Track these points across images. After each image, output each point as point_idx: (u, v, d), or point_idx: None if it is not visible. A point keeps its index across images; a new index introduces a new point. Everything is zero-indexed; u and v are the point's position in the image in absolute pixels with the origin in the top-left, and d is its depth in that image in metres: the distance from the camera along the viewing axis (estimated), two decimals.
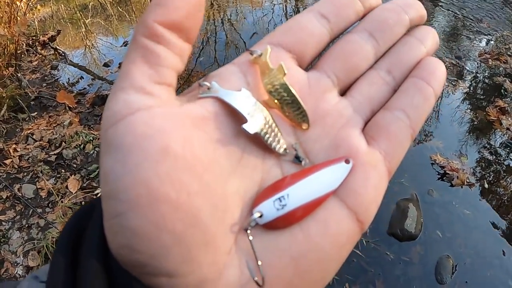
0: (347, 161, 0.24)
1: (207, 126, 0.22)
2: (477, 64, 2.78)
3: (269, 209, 0.22)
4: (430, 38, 0.29)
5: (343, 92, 0.28)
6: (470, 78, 2.67)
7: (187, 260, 0.19)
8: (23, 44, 3.35)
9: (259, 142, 0.24)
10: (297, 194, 0.22)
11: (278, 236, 0.22)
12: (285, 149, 0.24)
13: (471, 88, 2.59)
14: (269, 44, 0.26)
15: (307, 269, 0.22)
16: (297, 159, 0.24)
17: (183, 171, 0.20)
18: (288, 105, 0.25)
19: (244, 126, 0.22)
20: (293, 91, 0.25)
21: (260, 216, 0.22)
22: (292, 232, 0.22)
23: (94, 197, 2.00)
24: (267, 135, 0.23)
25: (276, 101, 0.25)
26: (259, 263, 0.21)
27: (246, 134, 0.23)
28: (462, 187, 1.89)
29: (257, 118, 0.23)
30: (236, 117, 0.23)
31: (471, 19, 3.26)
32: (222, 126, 0.23)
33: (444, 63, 2.74)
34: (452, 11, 3.40)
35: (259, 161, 0.24)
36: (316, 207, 0.23)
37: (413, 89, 0.26)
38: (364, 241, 1.66)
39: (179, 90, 2.59)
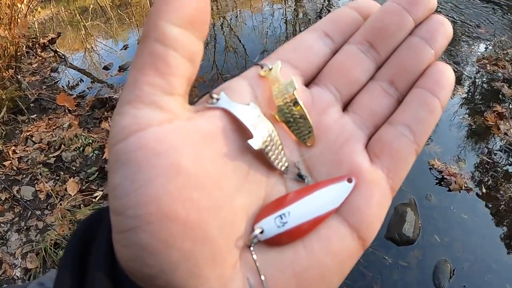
0: (349, 180, 0.24)
1: (216, 142, 0.22)
2: (476, 69, 2.79)
3: (270, 225, 0.22)
4: (439, 35, 0.26)
5: (345, 106, 0.27)
6: (468, 83, 2.68)
7: (195, 274, 0.20)
8: (23, 46, 3.36)
9: (264, 158, 0.24)
10: (298, 212, 0.22)
11: (281, 252, 0.22)
12: (286, 167, 0.24)
13: (469, 93, 2.60)
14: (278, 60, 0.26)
15: (309, 284, 0.22)
16: (300, 177, 0.24)
17: (194, 189, 0.20)
18: (296, 120, 0.25)
19: (250, 141, 0.22)
20: (303, 106, 0.25)
21: (261, 232, 0.22)
22: (295, 248, 0.23)
23: (93, 200, 2.00)
24: (271, 152, 0.23)
25: (284, 116, 0.25)
26: (262, 278, 0.21)
27: (252, 150, 0.23)
28: (460, 191, 1.89)
29: (262, 134, 0.23)
30: (242, 132, 0.23)
31: (469, 25, 3.28)
32: (230, 141, 0.23)
33: None
34: (450, 17, 3.41)
35: (264, 177, 0.24)
36: (317, 225, 0.23)
37: (418, 101, 0.25)
38: None
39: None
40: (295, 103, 0.25)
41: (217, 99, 0.23)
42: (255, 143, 0.22)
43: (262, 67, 0.26)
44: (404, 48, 0.26)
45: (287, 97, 0.25)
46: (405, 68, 0.26)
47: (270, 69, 0.25)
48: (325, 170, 0.25)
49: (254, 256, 0.22)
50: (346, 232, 0.23)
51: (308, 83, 0.27)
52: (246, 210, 0.23)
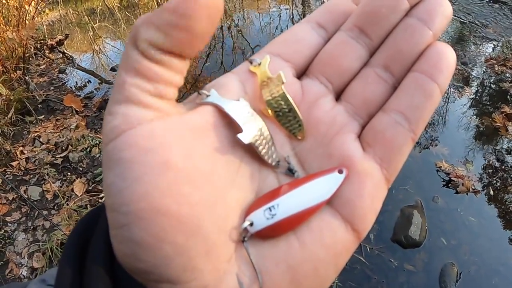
0: (340, 171, 0.23)
1: (207, 137, 0.22)
2: (483, 70, 2.77)
3: (259, 218, 0.22)
4: (437, 15, 0.24)
5: (339, 95, 0.26)
6: (476, 84, 2.66)
7: (189, 268, 0.20)
8: (31, 48, 3.38)
9: (254, 153, 0.24)
10: (287, 204, 0.22)
11: (275, 245, 0.23)
12: (277, 162, 0.24)
13: (477, 94, 2.58)
14: (268, 54, 0.26)
15: (303, 277, 0.22)
16: (290, 171, 0.25)
17: (184, 184, 0.20)
18: (285, 114, 0.25)
19: (239, 135, 0.22)
20: (291, 99, 0.25)
21: (251, 225, 0.22)
22: (289, 241, 0.23)
23: (100, 200, 2.01)
24: (261, 146, 0.23)
25: (273, 110, 0.25)
26: (258, 271, 0.22)
27: (243, 145, 0.23)
28: (467, 194, 1.87)
29: (252, 128, 0.23)
30: (233, 127, 0.23)
31: (477, 25, 3.25)
32: (221, 136, 0.23)
33: None
34: (458, 17, 3.38)
35: (256, 171, 0.24)
36: (307, 217, 0.23)
37: (414, 86, 0.24)
38: (368, 248, 1.66)
39: (186, 95, 2.61)
40: (284, 97, 0.25)
41: (207, 96, 0.23)
42: (245, 137, 0.22)
43: (251, 63, 0.26)
44: (399, 30, 0.25)
45: (275, 91, 0.25)
46: (400, 52, 0.25)
47: (259, 64, 0.25)
48: (316, 163, 0.25)
49: (248, 250, 0.22)
50: (339, 224, 0.23)
51: (301, 75, 0.27)
52: (240, 204, 0.23)
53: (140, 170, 0.19)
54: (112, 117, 0.21)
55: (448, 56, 0.24)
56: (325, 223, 0.23)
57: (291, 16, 3.88)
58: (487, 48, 3.01)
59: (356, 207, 0.23)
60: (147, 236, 0.19)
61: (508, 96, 2.47)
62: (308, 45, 0.27)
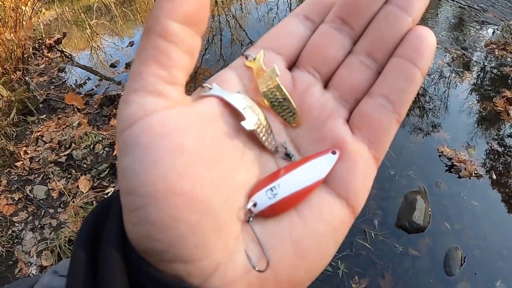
0: (333, 152, 0.25)
1: (214, 124, 0.24)
2: (484, 54, 2.76)
3: (262, 198, 0.24)
4: (415, 1, 0.25)
5: (327, 83, 0.28)
6: (476, 69, 2.65)
7: (201, 246, 0.21)
8: (29, 48, 3.39)
9: (255, 139, 0.25)
10: (287, 184, 0.24)
11: (278, 222, 0.24)
12: (276, 148, 0.26)
13: (478, 79, 2.58)
14: (262, 48, 0.28)
15: (306, 251, 0.23)
16: (287, 155, 0.26)
17: (197, 166, 0.21)
18: (280, 103, 0.27)
19: (243, 123, 0.24)
20: (285, 90, 0.27)
21: (255, 205, 0.24)
22: (291, 218, 0.24)
23: (105, 196, 2.02)
24: (262, 134, 0.25)
25: (269, 100, 0.27)
26: (264, 249, 0.23)
27: (245, 132, 0.25)
28: (470, 178, 1.88)
29: (253, 117, 0.25)
30: (236, 117, 0.25)
31: (476, 9, 3.23)
32: (226, 124, 0.24)
33: (450, 54, 2.71)
34: (457, 1, 3.36)
35: (257, 156, 0.26)
36: (305, 196, 0.24)
37: (396, 71, 0.25)
38: (372, 234, 1.67)
39: (186, 87, 2.60)
40: (278, 88, 0.26)
41: (210, 89, 0.25)
42: (248, 124, 0.24)
43: (247, 58, 0.28)
44: (379, 18, 0.26)
45: (271, 83, 0.26)
46: (382, 39, 0.26)
47: (254, 59, 0.27)
48: (311, 147, 0.26)
49: (253, 228, 0.23)
50: (335, 201, 0.25)
51: (291, 67, 0.29)
52: (244, 186, 0.24)
53: (157, 153, 0.21)
54: (127, 105, 0.22)
55: (428, 39, 0.25)
56: (322, 200, 0.25)
57: (289, 5, 3.87)
58: (487, 32, 2.99)
59: (349, 185, 0.25)
60: (163, 216, 0.20)
61: (509, 80, 2.47)
62: (297, 38, 0.28)
